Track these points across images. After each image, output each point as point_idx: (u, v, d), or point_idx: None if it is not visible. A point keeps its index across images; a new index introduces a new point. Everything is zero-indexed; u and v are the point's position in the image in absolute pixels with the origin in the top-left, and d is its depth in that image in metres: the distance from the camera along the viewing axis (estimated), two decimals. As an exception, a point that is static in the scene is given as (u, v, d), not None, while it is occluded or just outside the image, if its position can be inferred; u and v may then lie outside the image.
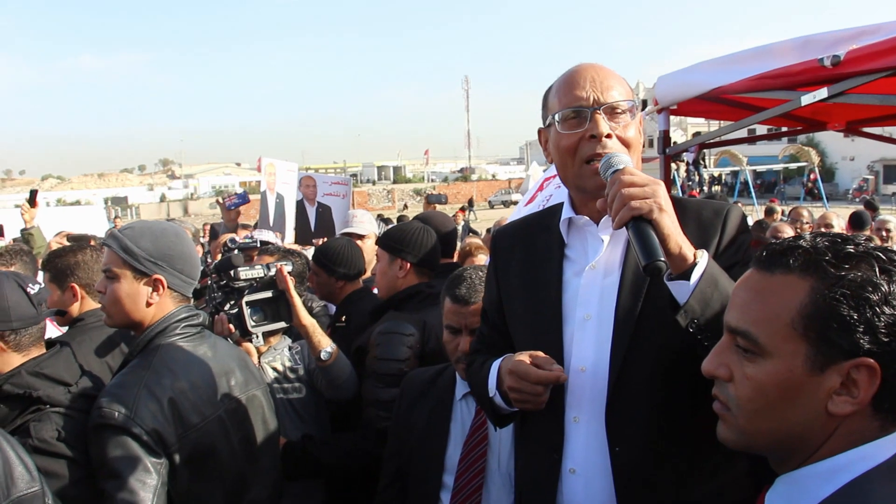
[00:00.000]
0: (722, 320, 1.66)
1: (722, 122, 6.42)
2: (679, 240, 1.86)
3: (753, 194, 36.18)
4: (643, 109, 4.45)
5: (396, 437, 3.08)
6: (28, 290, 2.68)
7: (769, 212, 15.15)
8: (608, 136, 2.09)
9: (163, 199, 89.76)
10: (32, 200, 7.36)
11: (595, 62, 2.22)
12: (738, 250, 2.08)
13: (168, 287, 2.68)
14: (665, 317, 1.89)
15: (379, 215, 14.87)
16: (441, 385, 3.02)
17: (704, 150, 29.59)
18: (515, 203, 20.38)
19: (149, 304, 2.66)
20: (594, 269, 2.16)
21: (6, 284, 2.64)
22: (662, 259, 1.79)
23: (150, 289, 2.66)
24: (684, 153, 6.38)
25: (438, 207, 10.41)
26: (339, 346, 3.75)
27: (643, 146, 2.29)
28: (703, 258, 1.86)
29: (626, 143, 2.13)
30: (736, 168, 38.54)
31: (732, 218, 2.12)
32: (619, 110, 2.13)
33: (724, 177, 40.46)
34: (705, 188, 28.84)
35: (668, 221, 1.85)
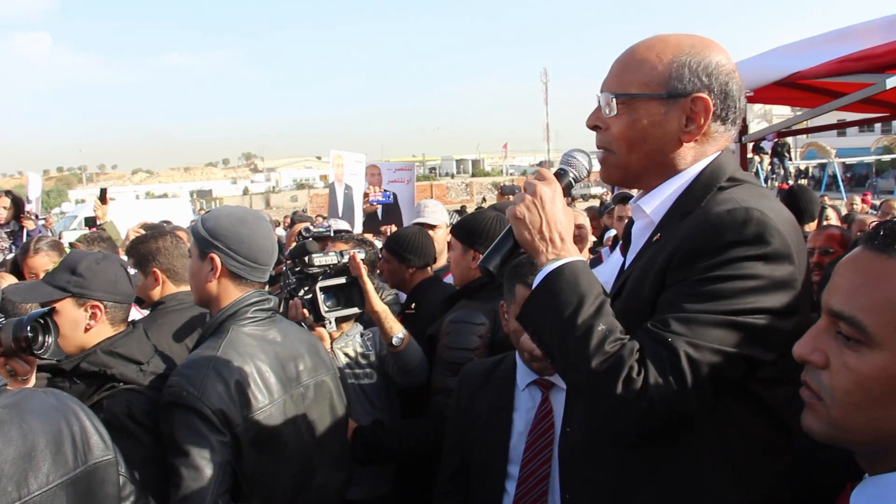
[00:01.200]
0: (555, 339, 1.75)
1: (800, 110, 6.22)
2: (535, 246, 1.90)
3: (842, 188, 34.88)
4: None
5: (457, 429, 3.07)
6: (128, 270, 2.92)
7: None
8: (594, 127, 2.04)
9: (245, 191, 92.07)
10: (103, 198, 7.74)
11: (651, 38, 2.00)
12: (693, 267, 1.73)
13: (223, 266, 2.74)
14: None
15: (459, 210, 14.85)
16: (501, 375, 2.99)
17: (789, 143, 28.72)
18: (594, 196, 20.15)
19: (208, 282, 2.75)
20: None
21: (113, 262, 2.89)
22: (487, 266, 2.01)
23: (209, 268, 2.75)
24: (763, 142, 6.21)
25: (512, 198, 10.40)
26: (411, 334, 3.80)
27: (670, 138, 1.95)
28: (546, 266, 1.86)
29: (616, 139, 1.98)
30: (824, 160, 37.29)
31: (708, 227, 1.75)
32: (603, 102, 1.98)
33: (811, 169, 39.13)
34: (790, 181, 27.93)
35: (521, 228, 1.92)
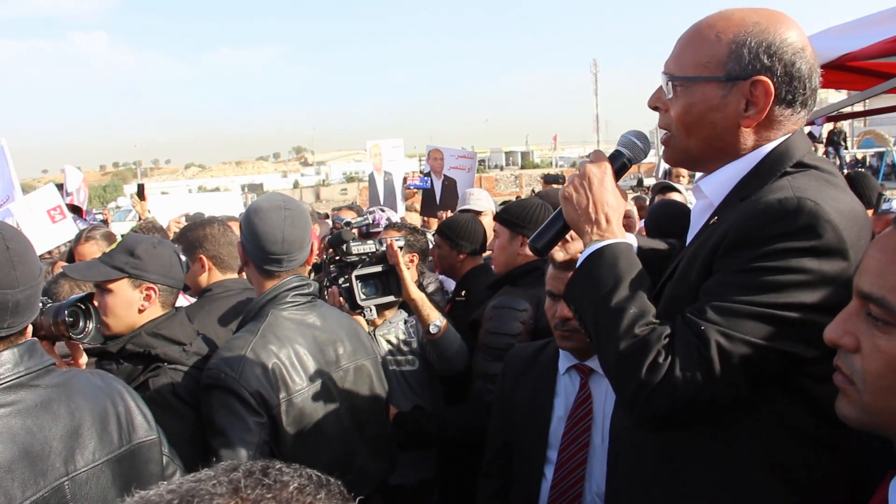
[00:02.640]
0: (591, 319, 1.77)
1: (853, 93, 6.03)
2: (580, 226, 1.94)
3: (902, 176, 33.87)
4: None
5: (501, 412, 3.08)
6: (181, 257, 3.02)
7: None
8: (655, 108, 1.99)
9: (296, 185, 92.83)
10: (141, 194, 7.92)
11: (715, 14, 1.90)
12: (739, 255, 1.69)
13: (245, 255, 2.86)
14: None
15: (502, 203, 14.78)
16: (544, 360, 2.99)
17: (845, 131, 27.97)
18: (646, 187, 19.89)
19: (243, 269, 2.92)
20: None
21: (168, 247, 2.99)
22: (536, 245, 2.07)
23: (242, 253, 2.90)
24: (812, 126, 6.03)
25: (557, 187, 10.32)
26: (459, 321, 3.81)
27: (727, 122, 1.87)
28: (589, 247, 1.88)
29: (675, 121, 1.92)
30: (881, 149, 36.24)
31: (757, 215, 1.69)
32: (663, 82, 1.93)
33: (868, 159, 38.06)
34: (846, 171, 27.26)
35: (568, 208, 1.96)
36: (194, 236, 3.93)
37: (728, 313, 1.64)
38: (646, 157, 2.15)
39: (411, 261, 4.29)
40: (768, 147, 1.85)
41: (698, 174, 2.06)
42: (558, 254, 2.47)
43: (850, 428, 1.44)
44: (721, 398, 1.65)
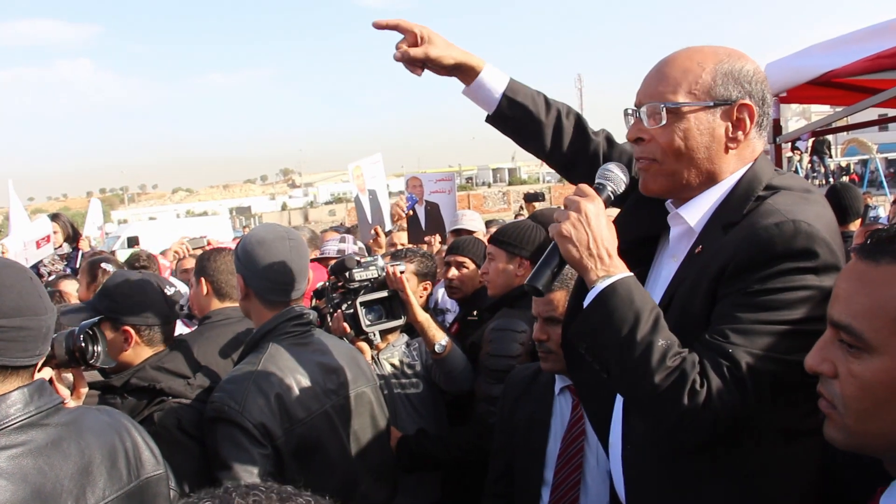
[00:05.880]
0: (614, 356, 1.76)
1: (838, 108, 6.14)
2: (583, 264, 1.88)
3: (885, 184, 34.13)
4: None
5: (502, 433, 3.10)
6: (165, 290, 2.96)
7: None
8: (638, 139, 2.03)
9: (284, 207, 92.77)
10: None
11: (686, 49, 2.03)
12: (746, 279, 1.78)
13: (246, 286, 2.85)
14: None
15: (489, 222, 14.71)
16: (542, 380, 3.02)
17: (829, 139, 28.20)
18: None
19: (241, 300, 2.92)
20: None
21: (146, 285, 2.94)
22: (536, 285, 1.97)
23: (239, 287, 2.88)
24: (799, 141, 6.14)
25: (537, 205, 10.33)
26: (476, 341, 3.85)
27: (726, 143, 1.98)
28: (598, 284, 1.85)
29: (664, 149, 1.98)
30: (865, 156, 36.52)
31: (759, 241, 1.79)
32: (647, 113, 1.98)
33: (852, 166, 38.35)
34: (831, 179, 27.44)
35: (568, 247, 1.90)
36: (203, 260, 3.96)
37: (749, 333, 1.73)
38: (626, 185, 2.15)
39: (425, 289, 4.37)
40: (742, 171, 1.98)
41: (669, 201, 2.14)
42: None
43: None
44: (755, 414, 1.73)
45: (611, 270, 1.87)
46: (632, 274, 1.90)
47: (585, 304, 1.88)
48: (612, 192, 2.11)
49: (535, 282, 1.98)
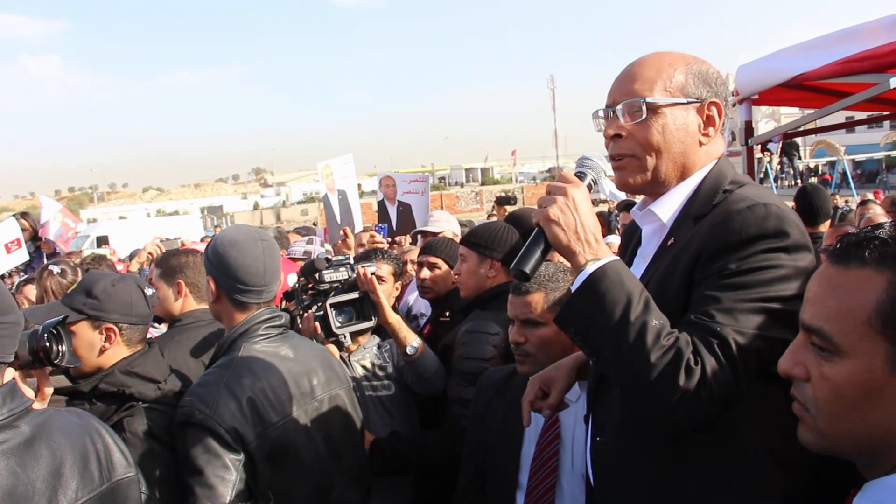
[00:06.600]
0: (607, 338, 1.78)
1: (808, 110, 6.22)
2: (571, 248, 1.90)
3: (852, 185, 34.66)
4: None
5: (474, 436, 3.08)
6: (145, 291, 2.95)
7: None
8: (616, 136, 2.09)
9: (256, 206, 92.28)
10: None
11: (654, 53, 2.13)
12: (723, 261, 1.83)
13: (217, 288, 2.80)
14: None
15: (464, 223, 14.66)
16: (516, 383, 2.98)
17: (797, 141, 28.57)
18: (603, 201, 20.12)
19: (211, 302, 2.88)
20: None
21: (129, 284, 2.92)
22: (523, 268, 1.96)
23: (210, 289, 2.83)
24: (770, 143, 6.20)
25: (509, 208, 10.35)
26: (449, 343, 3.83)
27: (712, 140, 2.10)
28: (587, 267, 1.87)
29: (642, 144, 2.05)
30: (833, 158, 37.08)
31: (733, 223, 1.86)
32: (624, 110, 2.06)
33: (820, 167, 38.94)
34: (800, 180, 27.80)
35: (556, 230, 1.91)
36: (176, 261, 3.93)
37: (733, 311, 1.78)
38: (605, 174, 2.19)
39: (397, 289, 4.38)
40: (706, 168, 2.08)
41: (639, 199, 2.21)
42: None
43: None
44: (744, 392, 1.77)
45: (598, 254, 1.90)
46: (619, 258, 1.92)
47: (574, 287, 1.90)
48: (592, 181, 2.14)
49: (521, 265, 1.97)
